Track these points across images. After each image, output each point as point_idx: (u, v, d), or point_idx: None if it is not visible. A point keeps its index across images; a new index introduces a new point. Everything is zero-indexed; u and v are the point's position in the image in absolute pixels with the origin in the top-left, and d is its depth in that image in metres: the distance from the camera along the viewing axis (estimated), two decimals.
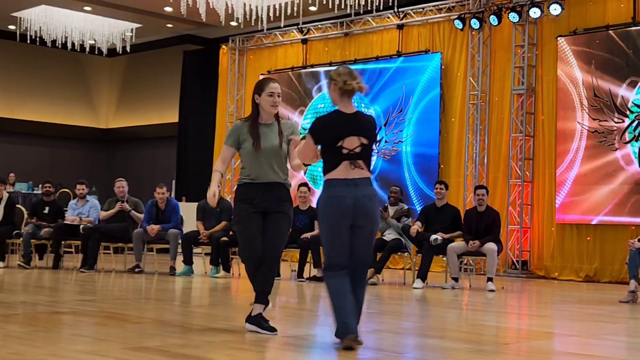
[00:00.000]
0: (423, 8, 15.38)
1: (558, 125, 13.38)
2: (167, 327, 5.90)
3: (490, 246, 10.32)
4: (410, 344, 5.52)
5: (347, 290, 5.22)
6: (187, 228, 12.21)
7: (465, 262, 12.75)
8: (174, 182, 19.63)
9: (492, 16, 14.02)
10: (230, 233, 11.48)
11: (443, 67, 14.88)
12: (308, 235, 11.29)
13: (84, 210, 12.31)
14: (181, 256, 11.77)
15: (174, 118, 21.02)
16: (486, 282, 10.38)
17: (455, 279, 10.52)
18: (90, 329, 5.77)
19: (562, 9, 13.22)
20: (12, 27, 19.74)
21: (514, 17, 13.70)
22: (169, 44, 21.52)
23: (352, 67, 16.03)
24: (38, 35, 18.75)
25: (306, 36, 17.24)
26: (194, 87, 20.50)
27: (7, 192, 13.05)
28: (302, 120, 16.85)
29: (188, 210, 13.57)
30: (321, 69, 16.74)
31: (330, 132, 5.28)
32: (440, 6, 15.12)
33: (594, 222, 12.84)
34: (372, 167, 5.50)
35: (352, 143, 5.22)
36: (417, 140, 15.00)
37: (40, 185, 17.01)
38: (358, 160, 5.22)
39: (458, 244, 10.56)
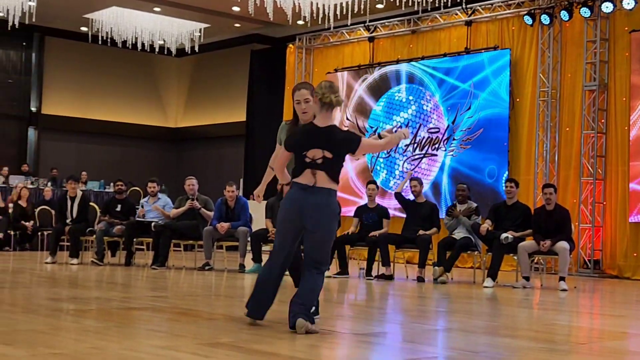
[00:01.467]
0: (492, 4, 15.23)
1: (631, 121, 13.12)
2: (238, 324, 5.95)
3: (562, 245, 10.16)
4: (482, 343, 5.47)
5: (270, 283, 5.73)
6: (255, 226, 12.29)
7: (536, 261, 12.58)
8: (241, 180, 19.79)
9: (563, 11, 13.81)
10: None
11: (512, 63, 14.71)
12: (376, 233, 11.28)
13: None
14: (250, 254, 11.86)
15: (242, 117, 21.19)
16: (558, 281, 10.24)
17: (527, 278, 10.39)
18: (164, 325, 5.85)
19: (636, 3, 12.96)
20: (84, 28, 20.14)
21: (585, 12, 13.48)
22: (236, 43, 21.71)
23: (420, 64, 16.01)
24: (109, 36, 19.10)
25: (373, 34, 17.21)
26: (261, 86, 20.64)
27: (81, 191, 13.32)
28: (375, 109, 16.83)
29: (256, 209, 13.66)
30: (389, 67, 16.70)
31: (298, 142, 5.60)
32: (510, 2, 14.95)
33: None
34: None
35: (315, 154, 5.52)
36: (486, 138, 14.85)
37: (112, 184, 17.38)
38: (319, 170, 5.50)
39: (529, 243, 10.42)
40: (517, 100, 14.69)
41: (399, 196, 11.72)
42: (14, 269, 11.31)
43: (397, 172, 16.29)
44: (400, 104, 16.39)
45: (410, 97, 16.22)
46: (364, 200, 13.18)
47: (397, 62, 16.54)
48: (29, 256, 14.34)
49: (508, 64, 14.68)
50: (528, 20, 14.26)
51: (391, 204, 14.01)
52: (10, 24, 16.83)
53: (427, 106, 15.92)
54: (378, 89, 16.82)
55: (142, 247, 13.65)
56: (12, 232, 15.72)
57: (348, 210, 14.59)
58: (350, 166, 17.03)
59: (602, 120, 13.62)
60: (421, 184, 11.75)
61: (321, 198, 5.51)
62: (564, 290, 9.98)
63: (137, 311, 6.53)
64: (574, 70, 14.07)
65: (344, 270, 11.35)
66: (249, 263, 11.87)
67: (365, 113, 16.98)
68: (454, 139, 15.40)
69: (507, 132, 14.57)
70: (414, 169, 15.92)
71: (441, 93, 15.70)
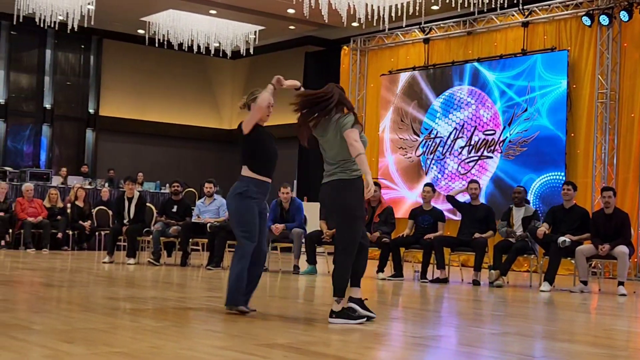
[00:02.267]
0: (549, 5, 15.06)
1: None
2: (294, 324, 5.96)
3: (622, 249, 10.00)
4: (539, 347, 5.40)
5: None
6: (310, 228, 12.31)
7: (593, 265, 12.39)
8: (295, 182, 19.84)
9: (622, 12, 13.60)
10: None
11: (570, 65, 14.52)
12: (431, 235, 11.21)
13: (211, 208, 12.58)
14: (305, 255, 11.89)
15: (295, 119, 21.22)
16: (617, 286, 10.07)
17: (584, 283, 10.23)
18: (220, 325, 5.89)
19: None
20: (141, 31, 20.39)
21: None
22: (291, 45, 21.78)
23: (475, 65, 15.88)
24: (165, 38, 19.31)
25: (428, 35, 17.13)
26: (315, 88, 20.44)
27: (138, 192, 13.48)
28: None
29: (310, 210, 13.69)
30: (449, 66, 16.61)
31: None
32: (567, 2, 14.76)
33: None
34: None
35: None
36: (543, 140, 14.68)
37: (167, 185, 17.57)
38: None
39: (587, 247, 10.27)
40: (575, 102, 14.49)
41: (451, 199, 11.64)
42: (72, 269, 11.49)
43: (447, 173, 16.20)
44: (458, 103, 16.28)
45: (468, 98, 16.10)
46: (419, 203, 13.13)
47: (452, 63, 16.44)
48: (86, 256, 14.55)
49: (566, 65, 14.49)
50: (586, 21, 14.06)
51: (443, 207, 13.93)
52: (69, 27, 17.10)
53: (483, 107, 15.79)
54: (434, 89, 16.74)
55: (197, 247, 13.77)
56: (70, 232, 15.98)
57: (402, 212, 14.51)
58: (394, 166, 17.00)
59: None
60: (479, 187, 11.67)
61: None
62: (623, 295, 9.82)
63: (193, 311, 6.59)
64: (633, 72, 13.84)
65: (398, 273, 11.31)
66: (303, 265, 11.90)
67: (424, 108, 16.90)
68: (510, 142, 15.25)
69: (564, 134, 14.39)
70: (467, 172, 15.80)
71: (497, 95, 15.56)
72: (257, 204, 6.33)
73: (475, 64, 16.02)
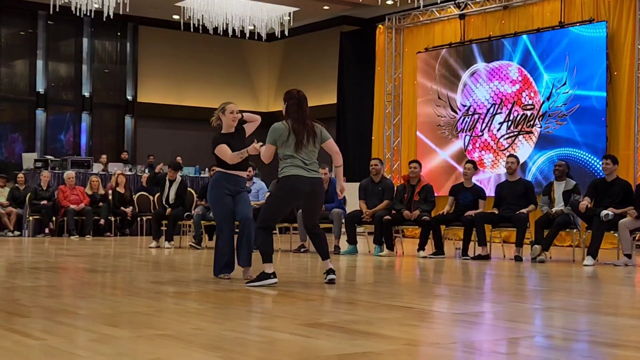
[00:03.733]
0: None
1: None
2: (336, 304, 5.98)
3: None
4: (584, 321, 5.36)
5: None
6: (349, 208, 12.31)
7: (638, 238, 12.23)
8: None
9: None
10: (393, 212, 11.51)
11: (609, 36, 14.31)
12: (472, 213, 11.15)
13: (251, 191, 12.61)
14: (345, 235, 11.89)
15: (333, 99, 21.21)
16: None
17: (628, 256, 10.12)
18: (263, 306, 5.92)
19: None
20: (176, 16, 20.46)
21: None
22: (325, 26, 21.72)
23: (512, 39, 15.71)
24: (200, 23, 19.33)
25: (464, 11, 16.98)
26: (351, 68, 20.61)
27: (180, 176, 13.58)
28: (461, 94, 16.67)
29: (350, 190, 13.64)
30: (483, 42, 16.47)
31: None
32: None
33: None
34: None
35: None
36: (583, 113, 14.52)
37: (207, 169, 17.66)
38: None
39: (630, 220, 10.14)
40: (615, 73, 14.30)
41: None
42: (115, 254, 11.62)
43: (490, 151, 16.08)
44: (495, 78, 16.14)
45: (505, 73, 15.96)
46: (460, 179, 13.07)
47: (489, 38, 16.29)
48: (129, 241, 14.71)
49: (604, 36, 14.29)
50: None
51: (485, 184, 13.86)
52: (105, 14, 17.21)
53: (521, 82, 15.64)
54: (471, 65, 16.60)
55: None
56: (112, 218, 16.15)
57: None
58: (442, 150, 16.93)
59: None
60: (518, 162, 11.57)
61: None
62: None
63: (235, 293, 6.63)
64: None
65: (439, 251, 11.27)
66: (343, 245, 11.91)
67: (461, 84, 16.79)
68: (549, 115, 15.10)
69: (604, 107, 14.21)
70: (508, 147, 15.68)
71: (535, 69, 15.40)
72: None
73: (512, 38, 15.85)
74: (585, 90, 14.51)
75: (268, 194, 12.28)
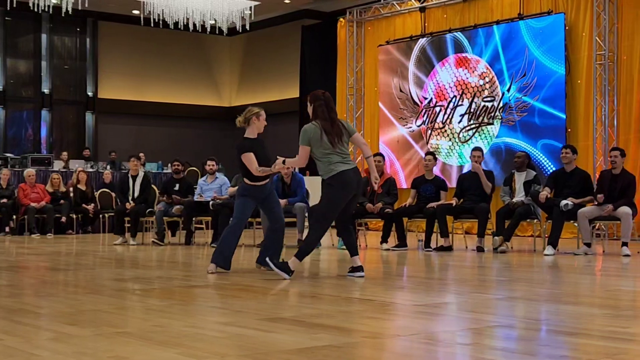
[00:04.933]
0: None
1: None
2: (299, 298, 5.99)
3: (625, 210, 9.99)
4: (545, 311, 5.41)
5: None
6: (312, 201, 12.30)
7: (597, 227, 12.39)
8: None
9: None
10: (356, 205, 11.52)
11: (567, 27, 14.45)
12: (434, 204, 11.21)
13: (213, 187, 12.57)
14: (308, 229, 11.89)
15: (295, 93, 21.20)
16: (620, 247, 10.07)
17: (588, 245, 10.24)
18: (225, 302, 5.91)
19: None
20: (136, 11, 20.31)
21: None
22: (287, 19, 21.69)
23: (472, 32, 15.80)
24: (160, 18, 19.17)
25: (424, 4, 17.04)
26: (313, 62, 20.61)
27: (143, 171, 13.48)
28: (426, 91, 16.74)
29: (313, 184, 13.70)
30: (442, 36, 16.54)
31: None
32: None
33: None
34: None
35: None
36: (542, 104, 14.65)
37: (169, 165, 17.56)
38: None
39: (589, 209, 10.26)
40: (573, 65, 14.44)
41: None
42: (77, 252, 11.52)
43: (451, 144, 16.17)
44: (456, 71, 16.23)
45: (466, 65, 16.05)
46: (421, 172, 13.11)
47: (449, 31, 16.37)
48: (91, 239, 14.59)
49: (563, 28, 14.42)
50: None
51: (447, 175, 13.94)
52: (63, 10, 17.03)
53: (480, 74, 15.74)
54: (432, 57, 16.68)
55: (201, 226, 13.78)
56: (74, 216, 16.01)
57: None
58: (394, 136, 16.99)
59: None
60: (483, 154, 11.64)
61: None
62: (627, 255, 9.83)
63: (199, 289, 6.61)
64: (630, 32, 13.77)
65: (402, 243, 11.32)
66: None
67: (423, 77, 16.86)
68: (509, 107, 15.21)
69: (563, 98, 14.35)
70: (468, 140, 15.78)
71: (495, 60, 15.50)
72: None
73: (472, 30, 15.95)
74: (544, 81, 14.64)
75: (231, 188, 12.24)
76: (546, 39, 14.66)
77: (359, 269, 7.40)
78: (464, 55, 16.08)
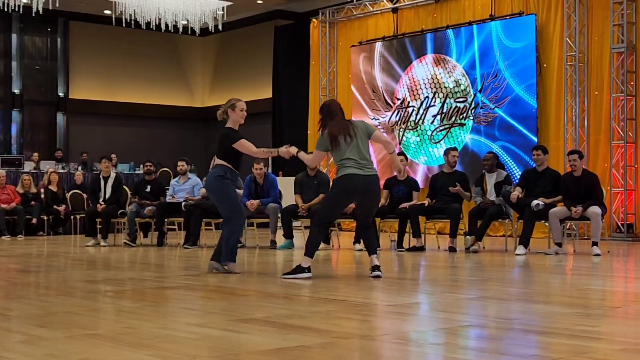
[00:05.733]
0: None
1: None
2: (271, 299, 5.98)
3: (594, 210, 10.08)
4: (515, 310, 5.45)
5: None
6: (285, 202, 12.31)
7: (568, 226, 12.50)
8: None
9: None
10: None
11: (538, 29, 14.55)
12: (406, 205, 11.24)
13: (186, 187, 12.53)
14: (281, 230, 11.89)
15: (268, 94, 21.18)
16: (591, 246, 10.16)
17: (559, 244, 10.32)
18: (197, 303, 5.89)
19: None
20: (107, 11, 20.19)
21: None
22: (259, 20, 21.67)
23: (444, 32, 15.87)
24: (132, 18, 19.08)
25: (396, 5, 17.09)
26: (286, 62, 20.60)
27: (114, 172, 13.40)
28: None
29: (285, 185, 13.69)
30: (415, 36, 16.59)
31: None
32: None
33: None
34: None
35: None
36: (514, 105, 14.75)
37: (141, 166, 17.48)
38: None
39: (560, 209, 10.34)
40: (544, 65, 14.55)
41: None
42: (49, 253, 11.44)
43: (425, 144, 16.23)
44: (428, 71, 16.29)
45: (438, 66, 16.12)
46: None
47: (422, 32, 16.43)
48: (62, 240, 14.49)
49: (534, 29, 14.53)
50: None
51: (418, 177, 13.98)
52: (34, 10, 16.89)
53: (452, 75, 15.81)
54: (405, 58, 16.74)
55: (173, 227, 13.73)
56: (45, 217, 15.88)
57: None
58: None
59: (632, 83, 13.47)
60: (458, 154, 11.69)
61: None
62: (597, 255, 9.92)
63: (171, 290, 6.58)
64: (601, 33, 13.90)
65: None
66: (280, 239, 11.91)
67: (395, 77, 16.91)
68: (481, 107, 15.29)
69: (535, 98, 14.45)
70: (440, 140, 15.84)
71: (467, 61, 15.58)
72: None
73: (444, 31, 16.02)
74: (516, 82, 14.73)
75: (204, 189, 12.21)
76: (518, 40, 14.75)
77: (377, 268, 7.40)
78: (435, 55, 16.14)
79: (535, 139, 14.21)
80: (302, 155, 7.72)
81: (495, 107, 15.05)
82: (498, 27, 15.10)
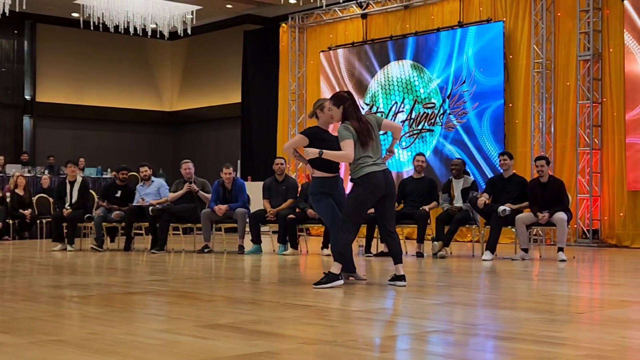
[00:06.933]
0: None
1: (627, 90, 13.10)
2: (238, 305, 5.96)
3: (560, 216, 10.17)
4: (481, 316, 5.48)
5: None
6: (253, 207, 12.29)
7: (534, 232, 12.59)
8: (239, 162, 19.77)
9: None
10: (297, 210, 11.54)
11: (506, 36, 14.67)
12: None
13: (151, 190, 12.45)
14: (249, 235, 11.87)
15: (237, 98, 21.14)
16: (557, 252, 10.25)
17: (525, 250, 10.40)
18: (163, 308, 5.86)
19: None
20: (75, 14, 20.03)
21: None
22: (229, 24, 21.63)
23: (413, 39, 15.94)
24: (100, 21, 18.95)
25: (366, 11, 17.15)
26: (255, 67, 20.57)
27: (81, 177, 13.28)
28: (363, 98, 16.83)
29: (254, 190, 13.66)
30: (383, 42, 16.64)
31: None
32: None
33: None
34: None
35: None
36: (482, 111, 14.84)
37: (109, 170, 17.38)
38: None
39: (527, 215, 10.42)
40: (512, 72, 14.66)
41: None
42: (14, 258, 11.32)
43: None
44: (397, 77, 16.34)
45: (406, 72, 16.18)
46: None
47: (391, 38, 16.50)
48: (28, 245, 14.35)
49: (501, 36, 14.64)
50: None
51: None
52: (0, 12, 16.72)
53: (421, 80, 15.88)
54: (374, 64, 16.78)
55: (140, 232, 13.64)
56: (10, 221, 15.72)
57: None
58: None
59: (597, 90, 13.60)
60: (425, 160, 11.71)
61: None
62: (563, 260, 10.00)
63: (138, 295, 6.54)
64: (567, 41, 14.03)
65: None
66: (248, 244, 11.87)
67: (364, 82, 16.95)
68: (449, 114, 15.37)
69: (502, 105, 14.55)
70: (409, 146, 15.91)
71: (435, 67, 15.66)
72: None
73: (413, 37, 16.09)
74: (484, 88, 14.83)
75: (172, 194, 12.15)
76: (486, 47, 14.85)
77: (401, 278, 7.21)
78: (403, 61, 16.20)
79: (503, 145, 14.31)
80: (330, 153, 7.13)
81: (463, 113, 15.13)
82: (467, 33, 15.19)
